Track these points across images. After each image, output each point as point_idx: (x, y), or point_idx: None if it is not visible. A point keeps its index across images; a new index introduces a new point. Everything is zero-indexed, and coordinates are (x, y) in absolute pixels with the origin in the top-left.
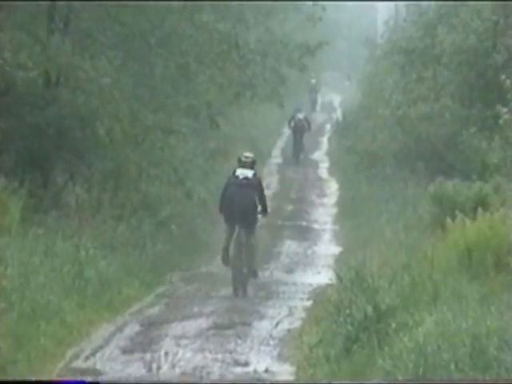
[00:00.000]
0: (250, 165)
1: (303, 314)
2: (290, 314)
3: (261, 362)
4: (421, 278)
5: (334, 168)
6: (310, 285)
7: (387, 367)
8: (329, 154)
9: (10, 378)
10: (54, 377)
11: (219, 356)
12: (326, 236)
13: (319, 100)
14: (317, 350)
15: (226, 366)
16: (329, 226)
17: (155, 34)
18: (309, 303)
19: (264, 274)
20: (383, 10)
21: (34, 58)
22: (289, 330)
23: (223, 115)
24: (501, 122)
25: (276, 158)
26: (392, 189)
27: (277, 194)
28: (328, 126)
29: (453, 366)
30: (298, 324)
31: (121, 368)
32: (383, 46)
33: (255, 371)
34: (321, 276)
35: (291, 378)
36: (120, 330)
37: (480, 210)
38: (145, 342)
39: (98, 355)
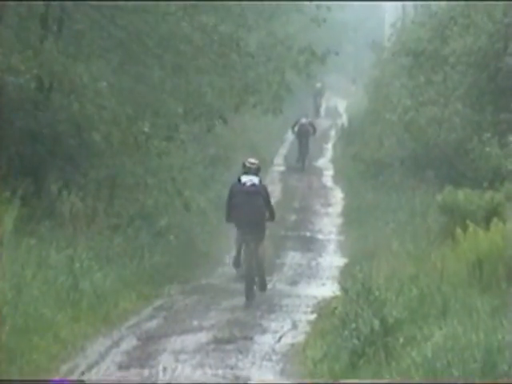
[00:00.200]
0: (255, 171)
1: (307, 328)
2: (294, 327)
3: (263, 378)
4: (429, 290)
5: (339, 176)
6: (315, 297)
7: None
8: (333, 161)
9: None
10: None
11: (220, 372)
12: (331, 247)
13: (324, 105)
14: (321, 365)
15: (226, 383)
16: (333, 237)
17: (152, 36)
18: (313, 316)
19: (267, 286)
20: (390, 12)
21: (26, 63)
22: (292, 345)
23: (223, 121)
24: None
25: (278, 165)
26: (399, 197)
27: (280, 203)
28: (333, 132)
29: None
30: (301, 338)
31: None
32: (390, 48)
33: None
34: (325, 288)
35: None
36: (116, 344)
37: (492, 219)
38: (142, 357)
39: (94, 371)
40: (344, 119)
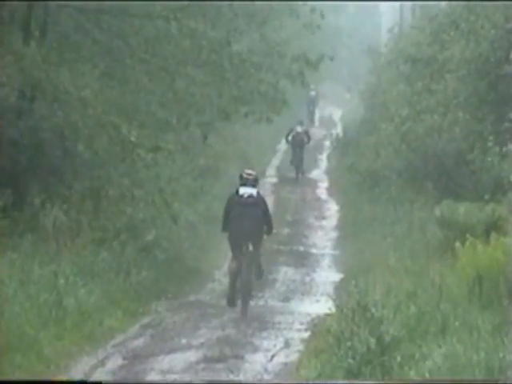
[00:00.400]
0: (253, 182)
1: (301, 346)
2: (287, 346)
3: None
4: (428, 308)
5: (334, 188)
6: (308, 314)
7: None
8: (328, 172)
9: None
10: None
11: None
12: (326, 262)
13: (318, 114)
14: None
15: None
16: (328, 251)
17: (138, 38)
18: (307, 334)
19: (258, 303)
20: (387, 16)
21: (7, 70)
22: (285, 364)
23: (213, 130)
24: None
25: (271, 177)
26: (397, 210)
27: (272, 216)
28: (327, 143)
29: None
30: (294, 357)
31: None
32: (387, 54)
33: None
34: (320, 305)
35: None
36: (102, 363)
37: (493, 233)
38: (128, 376)
39: None
40: (339, 129)
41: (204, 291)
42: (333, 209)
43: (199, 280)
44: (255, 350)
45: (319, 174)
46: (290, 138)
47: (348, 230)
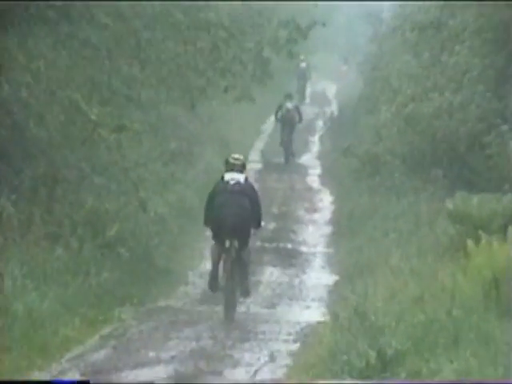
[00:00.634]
0: (240, 168)
1: (288, 360)
2: (272, 359)
3: None
4: (437, 316)
5: (328, 175)
6: (297, 323)
7: None
8: (321, 157)
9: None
10: None
11: None
12: (318, 261)
13: (309, 89)
14: None
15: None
16: (321, 249)
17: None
18: (295, 346)
19: (239, 309)
20: None
21: None
22: (270, 381)
23: (186, 108)
24: None
25: (254, 162)
26: (401, 202)
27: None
28: (320, 123)
29: None
30: (281, 373)
31: None
32: (390, 20)
33: None
34: (310, 312)
35: None
36: None
37: (511, 228)
38: None
39: None
40: (333, 106)
41: (175, 295)
42: (326, 200)
43: (170, 282)
44: (235, 364)
45: (310, 158)
46: (279, 115)
47: (343, 224)
